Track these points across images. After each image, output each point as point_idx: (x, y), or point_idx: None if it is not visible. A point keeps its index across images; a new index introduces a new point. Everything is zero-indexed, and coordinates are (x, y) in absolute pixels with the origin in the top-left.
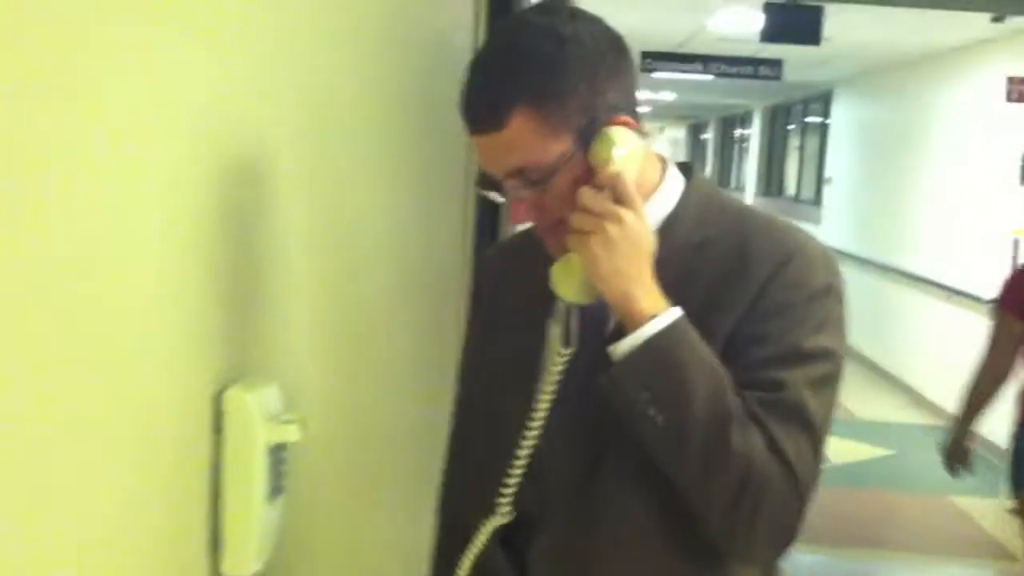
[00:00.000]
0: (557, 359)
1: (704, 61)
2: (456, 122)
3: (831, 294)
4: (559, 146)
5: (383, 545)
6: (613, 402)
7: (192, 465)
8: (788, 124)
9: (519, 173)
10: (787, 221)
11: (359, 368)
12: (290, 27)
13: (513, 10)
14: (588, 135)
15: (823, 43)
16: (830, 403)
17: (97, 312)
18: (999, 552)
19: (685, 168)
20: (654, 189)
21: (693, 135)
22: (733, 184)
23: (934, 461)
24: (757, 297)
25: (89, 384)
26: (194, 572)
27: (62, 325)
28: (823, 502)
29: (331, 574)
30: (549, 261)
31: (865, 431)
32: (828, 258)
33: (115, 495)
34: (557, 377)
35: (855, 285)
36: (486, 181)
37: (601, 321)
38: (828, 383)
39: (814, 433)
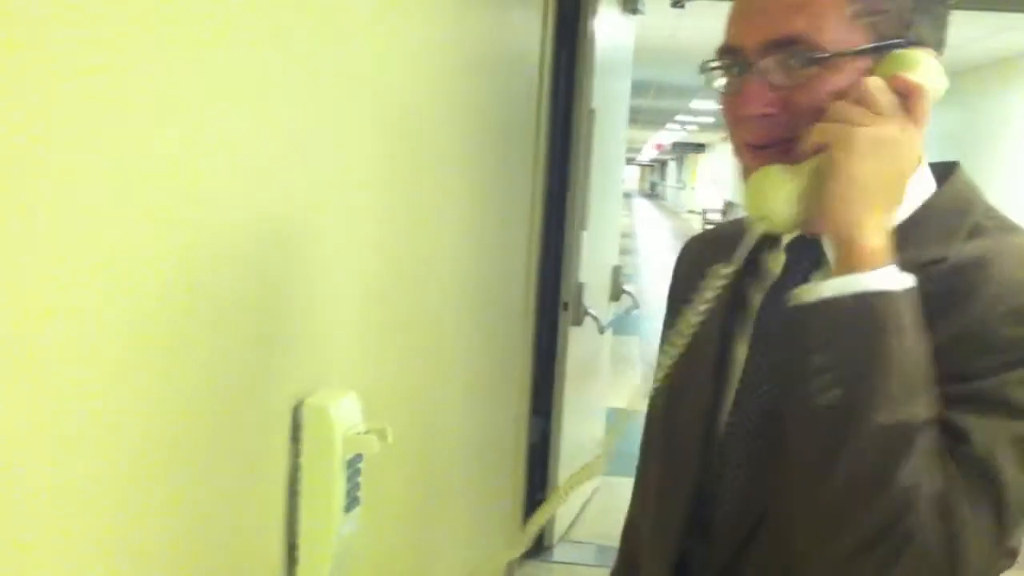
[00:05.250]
0: (714, 276)
1: None
2: (526, 142)
3: None
4: (850, 36)
5: (449, 558)
6: (788, 351)
7: (270, 476)
8: None
9: (787, 47)
10: None
11: (430, 381)
12: (398, 52)
13: (578, 39)
14: (886, 48)
15: None
16: None
17: (185, 321)
18: None
19: (946, 168)
20: None
21: None
22: None
23: None
24: (975, 323)
25: (172, 393)
26: None
27: (148, 331)
28: None
29: None
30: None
31: None
32: None
33: (194, 507)
34: (711, 293)
35: None
36: (728, 57)
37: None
38: None
39: (1001, 507)
